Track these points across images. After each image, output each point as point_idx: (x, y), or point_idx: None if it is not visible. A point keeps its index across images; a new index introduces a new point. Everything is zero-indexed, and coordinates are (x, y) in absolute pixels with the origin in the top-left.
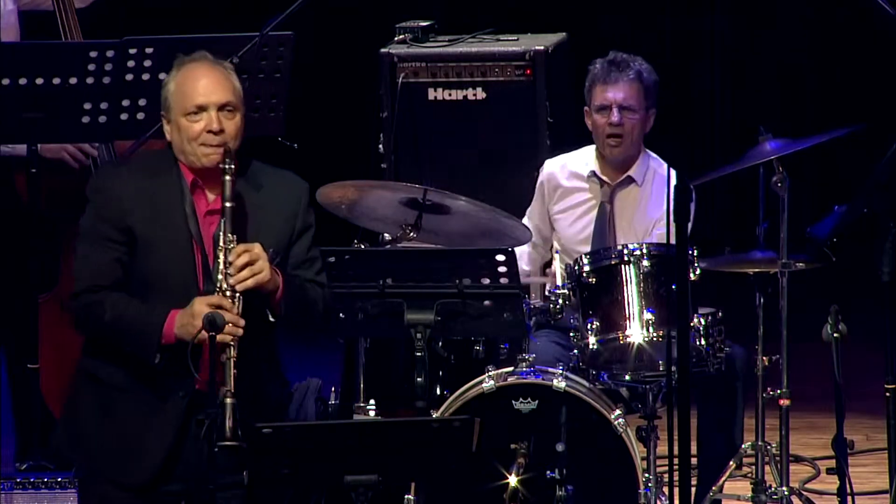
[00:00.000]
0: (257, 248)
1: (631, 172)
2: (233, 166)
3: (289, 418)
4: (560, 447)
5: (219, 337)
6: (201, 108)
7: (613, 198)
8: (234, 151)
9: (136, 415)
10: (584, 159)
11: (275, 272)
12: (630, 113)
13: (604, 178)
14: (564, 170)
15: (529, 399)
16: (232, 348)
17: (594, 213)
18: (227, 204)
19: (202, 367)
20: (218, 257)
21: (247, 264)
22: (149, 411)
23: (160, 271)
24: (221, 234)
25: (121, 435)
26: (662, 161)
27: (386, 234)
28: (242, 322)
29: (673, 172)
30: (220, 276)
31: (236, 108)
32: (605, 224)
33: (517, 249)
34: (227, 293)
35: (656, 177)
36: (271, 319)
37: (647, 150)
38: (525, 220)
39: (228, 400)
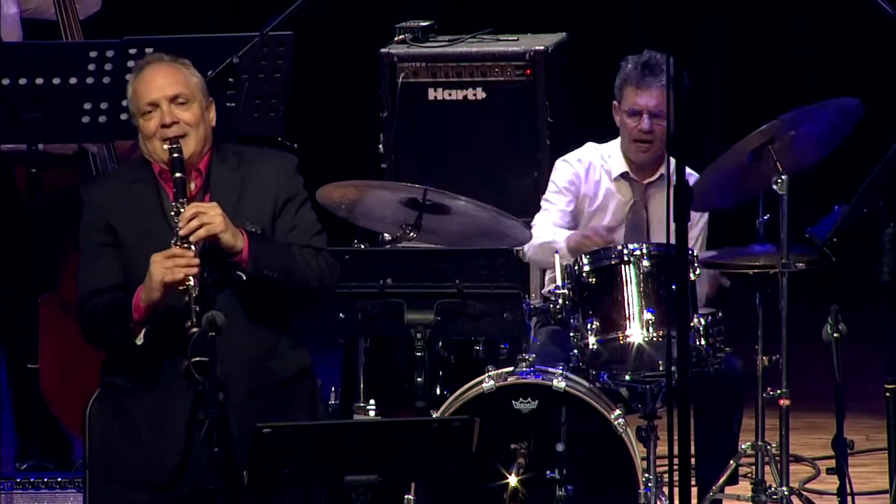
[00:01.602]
0: (210, 203)
1: (663, 170)
2: (178, 144)
3: (312, 391)
4: (560, 447)
5: (174, 277)
6: (154, 105)
7: (647, 197)
8: (210, 138)
9: (150, 416)
10: (611, 158)
11: (239, 231)
12: (660, 120)
13: (635, 177)
14: (595, 168)
15: (529, 399)
16: (191, 286)
17: (625, 213)
18: (177, 175)
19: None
20: (173, 220)
21: (195, 216)
22: (160, 410)
23: (146, 269)
24: (173, 202)
25: (141, 438)
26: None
27: (386, 234)
28: (197, 261)
29: (673, 162)
30: (174, 232)
31: (190, 98)
32: (641, 223)
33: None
34: (183, 246)
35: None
36: (243, 279)
37: None
38: (550, 207)
39: (194, 329)
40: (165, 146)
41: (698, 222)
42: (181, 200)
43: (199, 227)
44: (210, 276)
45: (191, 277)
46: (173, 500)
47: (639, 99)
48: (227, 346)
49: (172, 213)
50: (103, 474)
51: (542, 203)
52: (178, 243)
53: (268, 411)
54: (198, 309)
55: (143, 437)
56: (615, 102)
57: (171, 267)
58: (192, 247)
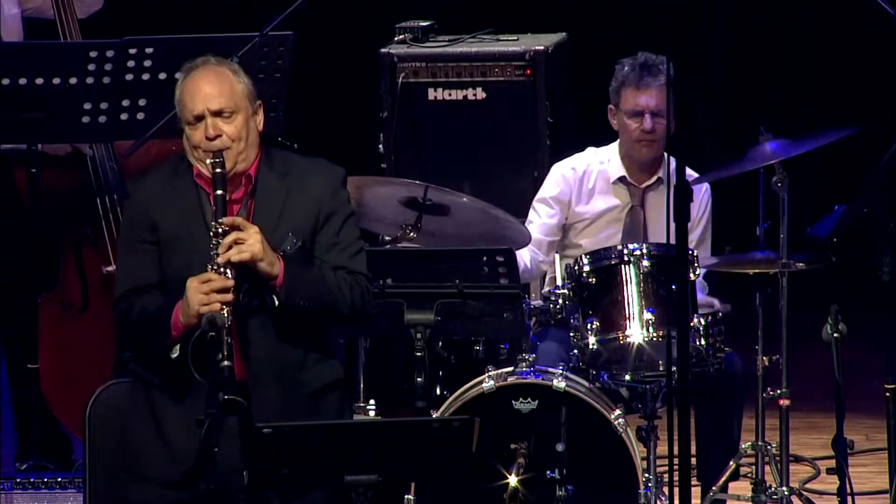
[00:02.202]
0: (250, 227)
1: (660, 173)
2: (221, 158)
3: (341, 405)
4: (560, 447)
5: (210, 308)
6: (199, 118)
7: (645, 201)
8: (258, 144)
9: (170, 411)
10: (609, 162)
11: (276, 257)
12: (660, 118)
13: (632, 181)
14: (591, 173)
15: (529, 399)
16: (225, 317)
17: (622, 218)
18: (218, 192)
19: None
20: (211, 240)
21: (235, 241)
22: (181, 407)
23: (184, 272)
24: (213, 221)
25: (159, 432)
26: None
27: (386, 236)
28: (231, 284)
29: (674, 161)
30: (212, 255)
31: (235, 110)
32: (638, 227)
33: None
34: (220, 270)
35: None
36: (275, 304)
37: None
38: (534, 218)
39: (226, 363)
40: (209, 160)
41: (699, 224)
42: (220, 221)
43: (237, 251)
44: (244, 299)
45: (224, 307)
46: (190, 498)
47: (639, 99)
48: (257, 358)
49: (212, 233)
50: (118, 465)
51: (531, 209)
52: (216, 268)
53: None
54: (229, 341)
55: (160, 431)
56: (611, 107)
57: (207, 293)
58: (229, 272)
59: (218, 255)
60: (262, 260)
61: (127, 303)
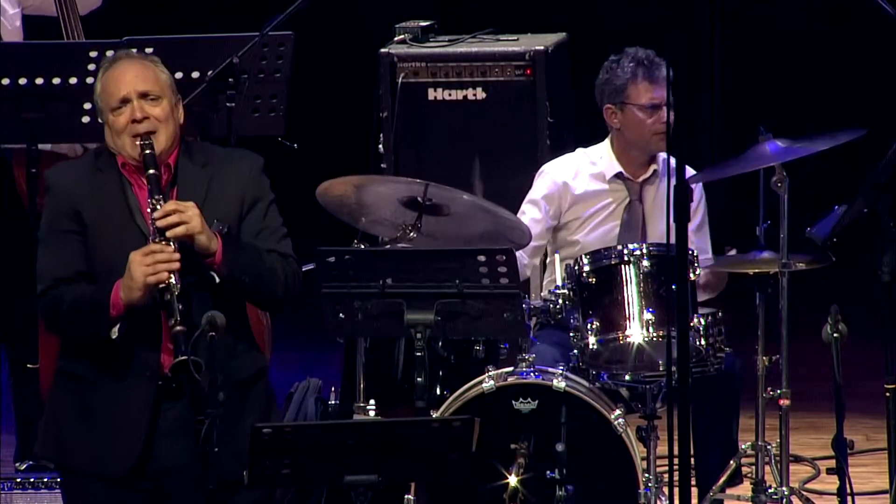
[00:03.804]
0: (187, 203)
1: (655, 166)
2: (150, 140)
3: (268, 393)
4: (560, 447)
5: (157, 277)
6: (124, 101)
7: (642, 195)
8: (178, 136)
9: (109, 405)
10: (602, 160)
11: (214, 234)
12: (671, 109)
13: (629, 175)
14: (583, 174)
15: (529, 399)
16: (173, 284)
17: (618, 214)
18: (150, 171)
19: (164, 348)
20: (150, 216)
21: (174, 213)
22: (121, 399)
23: (110, 261)
24: (149, 198)
25: (98, 427)
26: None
27: (385, 237)
28: (177, 256)
29: (673, 161)
30: (151, 230)
31: (161, 95)
32: (637, 222)
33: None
34: (162, 243)
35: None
36: (216, 281)
37: None
38: (522, 220)
39: (178, 328)
40: (137, 142)
41: (695, 213)
42: (157, 197)
43: (178, 223)
44: (185, 278)
45: (172, 275)
46: (134, 495)
47: (654, 93)
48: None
49: (150, 210)
50: (61, 465)
51: (520, 211)
52: (157, 240)
53: (226, 410)
54: (181, 307)
55: (100, 427)
56: (609, 106)
57: (152, 264)
58: (171, 243)
59: (158, 229)
60: (201, 233)
61: (56, 292)
